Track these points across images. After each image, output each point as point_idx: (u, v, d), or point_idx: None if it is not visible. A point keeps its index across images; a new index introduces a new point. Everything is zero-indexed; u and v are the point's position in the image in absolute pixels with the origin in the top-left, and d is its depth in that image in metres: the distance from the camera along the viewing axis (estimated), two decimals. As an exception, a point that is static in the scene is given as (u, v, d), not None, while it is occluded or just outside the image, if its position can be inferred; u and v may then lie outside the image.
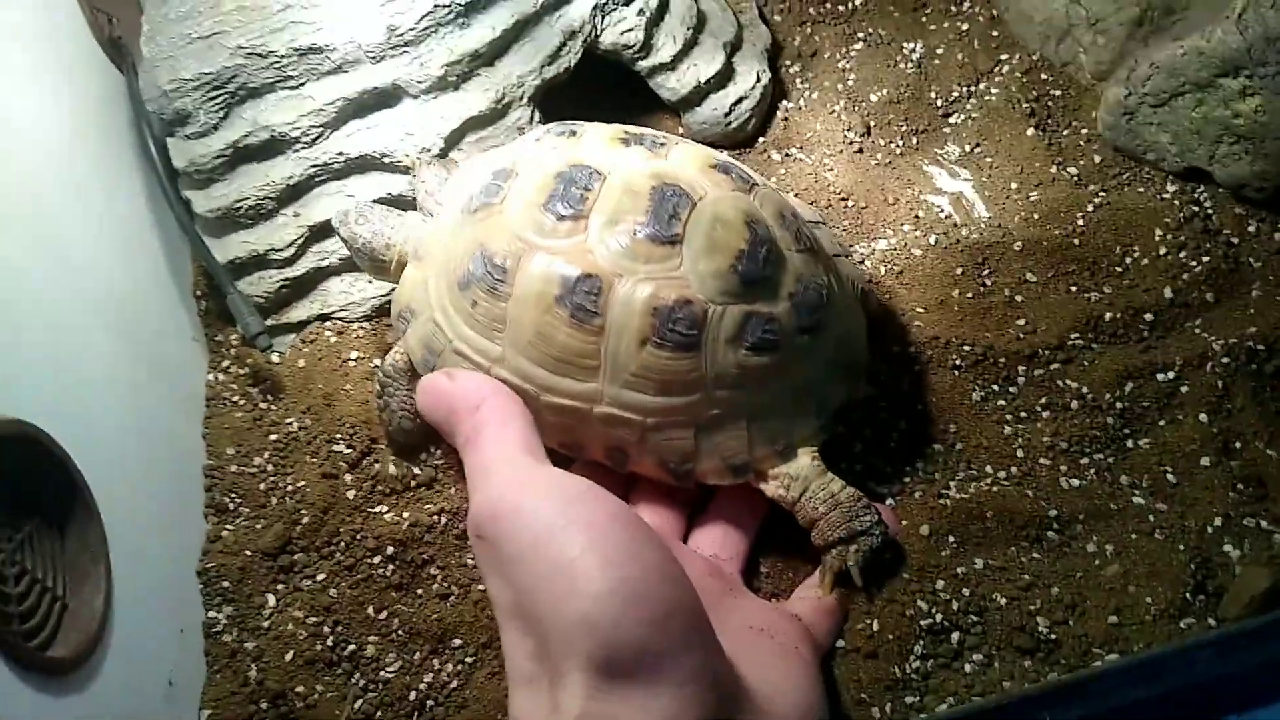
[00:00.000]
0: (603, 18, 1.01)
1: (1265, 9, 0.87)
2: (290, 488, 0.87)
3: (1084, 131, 1.05)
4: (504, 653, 0.62)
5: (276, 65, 0.93)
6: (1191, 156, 0.98)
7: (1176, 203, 0.98)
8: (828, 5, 1.17)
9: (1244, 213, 0.98)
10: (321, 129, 0.94)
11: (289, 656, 0.79)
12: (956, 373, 0.91)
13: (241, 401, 0.93)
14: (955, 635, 0.77)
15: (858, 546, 0.77)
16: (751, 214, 0.77)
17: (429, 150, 0.93)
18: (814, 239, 0.83)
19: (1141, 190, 1.00)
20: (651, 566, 0.58)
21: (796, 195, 1.03)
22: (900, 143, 1.07)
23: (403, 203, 0.93)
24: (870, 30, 1.15)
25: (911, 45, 1.13)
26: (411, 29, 0.93)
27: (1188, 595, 0.76)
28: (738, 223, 0.76)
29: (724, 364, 0.75)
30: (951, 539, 0.81)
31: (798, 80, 1.12)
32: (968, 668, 0.76)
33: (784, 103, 1.10)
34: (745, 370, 0.76)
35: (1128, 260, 0.95)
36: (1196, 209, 0.97)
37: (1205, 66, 0.93)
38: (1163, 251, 0.95)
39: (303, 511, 0.85)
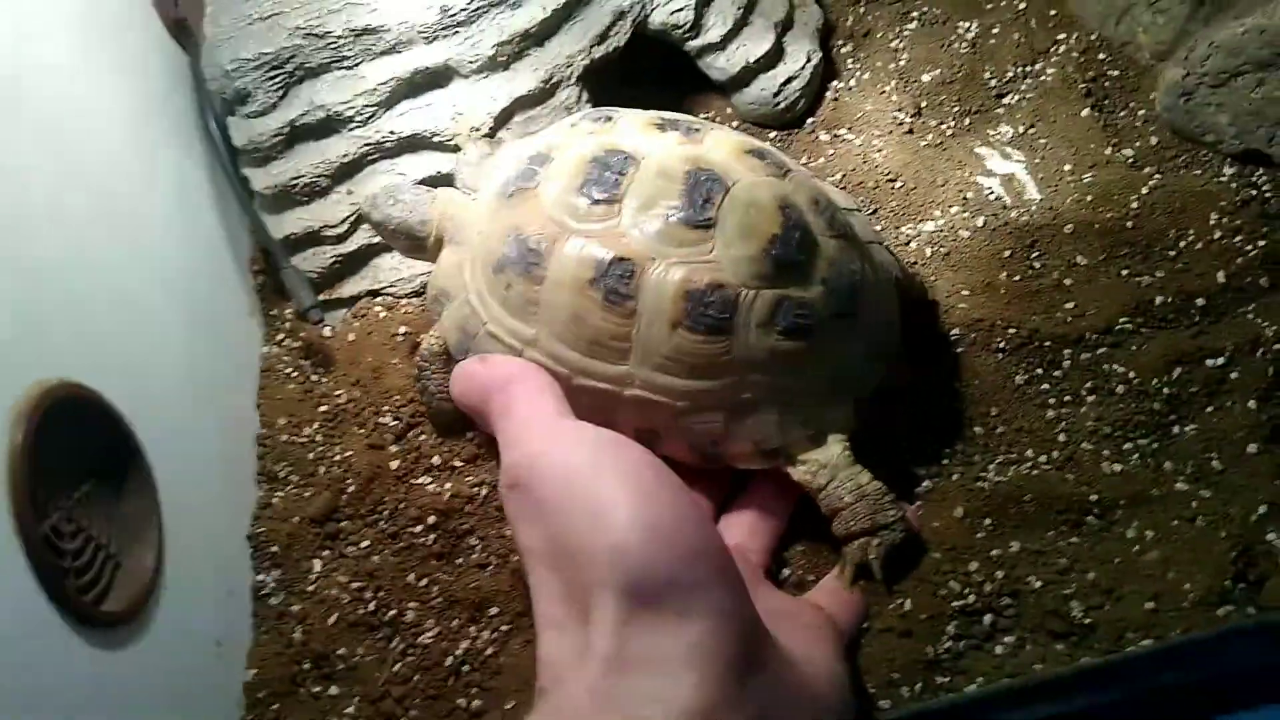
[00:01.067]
0: (652, -3, 1.01)
1: (1331, -15, 0.85)
2: (338, 457, 0.90)
3: (1141, 113, 1.03)
4: (532, 599, 0.63)
5: (333, 46, 0.95)
6: (1250, 138, 0.95)
7: (1233, 186, 0.95)
8: (882, -16, 1.16)
9: (1303, 197, 0.95)
10: (375, 108, 0.96)
11: (332, 620, 0.82)
12: (1000, 355, 0.90)
13: (294, 374, 0.96)
14: (988, 617, 0.76)
15: (880, 540, 0.77)
16: (785, 199, 0.77)
17: (478, 130, 0.95)
18: (848, 225, 0.82)
19: (1198, 173, 0.98)
20: (679, 508, 0.60)
21: (844, 176, 1.02)
22: (952, 124, 1.06)
23: (450, 182, 0.94)
24: (924, 9, 1.14)
25: (967, 24, 1.12)
26: (464, 9, 0.95)
27: (1228, 583, 0.75)
28: (771, 207, 0.76)
29: (756, 348, 0.75)
30: (987, 521, 0.81)
31: (849, 60, 1.12)
32: (999, 650, 0.75)
33: (834, 83, 1.10)
34: (777, 355, 0.76)
35: (1181, 244, 0.93)
36: (1254, 192, 0.95)
37: (1266, 45, 0.90)
38: (1217, 235, 0.93)
39: (349, 481, 0.88)
